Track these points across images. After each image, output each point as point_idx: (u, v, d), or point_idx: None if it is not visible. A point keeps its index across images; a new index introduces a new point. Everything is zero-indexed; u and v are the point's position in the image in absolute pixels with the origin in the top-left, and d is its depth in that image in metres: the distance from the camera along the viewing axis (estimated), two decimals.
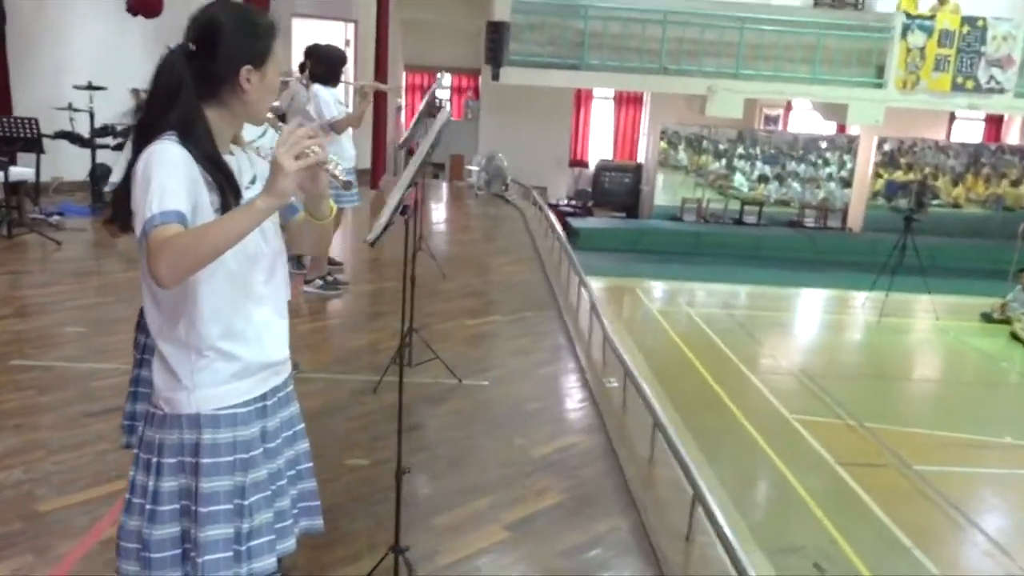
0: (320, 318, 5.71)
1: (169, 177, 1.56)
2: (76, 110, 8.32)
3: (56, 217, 7.63)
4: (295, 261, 6.41)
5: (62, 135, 8.31)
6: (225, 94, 1.69)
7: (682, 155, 15.44)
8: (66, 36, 9.14)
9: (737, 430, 6.54)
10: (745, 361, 8.19)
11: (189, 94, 1.65)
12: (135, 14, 8.86)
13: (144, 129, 1.65)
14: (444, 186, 13.50)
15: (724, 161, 15.40)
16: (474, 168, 12.69)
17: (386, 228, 2.59)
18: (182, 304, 1.65)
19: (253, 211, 1.54)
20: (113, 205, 1.70)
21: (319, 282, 6.05)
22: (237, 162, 1.76)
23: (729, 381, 7.58)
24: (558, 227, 8.66)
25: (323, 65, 5.72)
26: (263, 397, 1.76)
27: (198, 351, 1.67)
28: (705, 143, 15.30)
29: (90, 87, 8.28)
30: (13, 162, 7.38)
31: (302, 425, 1.89)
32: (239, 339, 1.70)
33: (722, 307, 10.58)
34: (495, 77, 12.58)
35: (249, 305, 1.71)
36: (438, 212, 10.98)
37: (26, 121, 7.33)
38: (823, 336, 10.15)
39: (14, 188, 7.26)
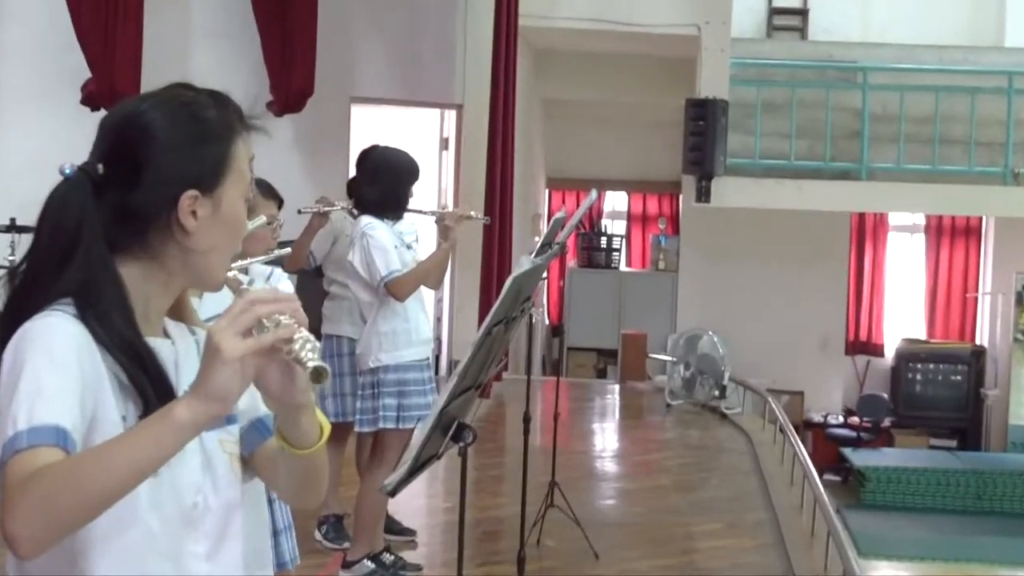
0: None
1: (49, 372, 1.70)
2: None
3: None
4: (332, 525, 6.69)
5: None
6: (154, 239, 1.88)
7: None
8: None
9: None
10: None
11: (93, 242, 1.82)
12: (95, 108, 9.56)
13: (20, 297, 1.82)
14: (613, 391, 13.67)
15: None
16: (665, 358, 12.80)
17: (416, 470, 2.54)
18: None
19: (169, 426, 1.64)
20: None
21: (368, 564, 6.12)
22: (175, 352, 1.93)
23: None
24: (811, 467, 8.55)
25: (377, 184, 5.96)
26: None
27: None
28: None
29: (13, 228, 8.78)
30: None
31: None
32: None
33: None
34: (703, 196, 12.80)
35: None
36: (595, 438, 11.05)
37: None
38: None
39: None
